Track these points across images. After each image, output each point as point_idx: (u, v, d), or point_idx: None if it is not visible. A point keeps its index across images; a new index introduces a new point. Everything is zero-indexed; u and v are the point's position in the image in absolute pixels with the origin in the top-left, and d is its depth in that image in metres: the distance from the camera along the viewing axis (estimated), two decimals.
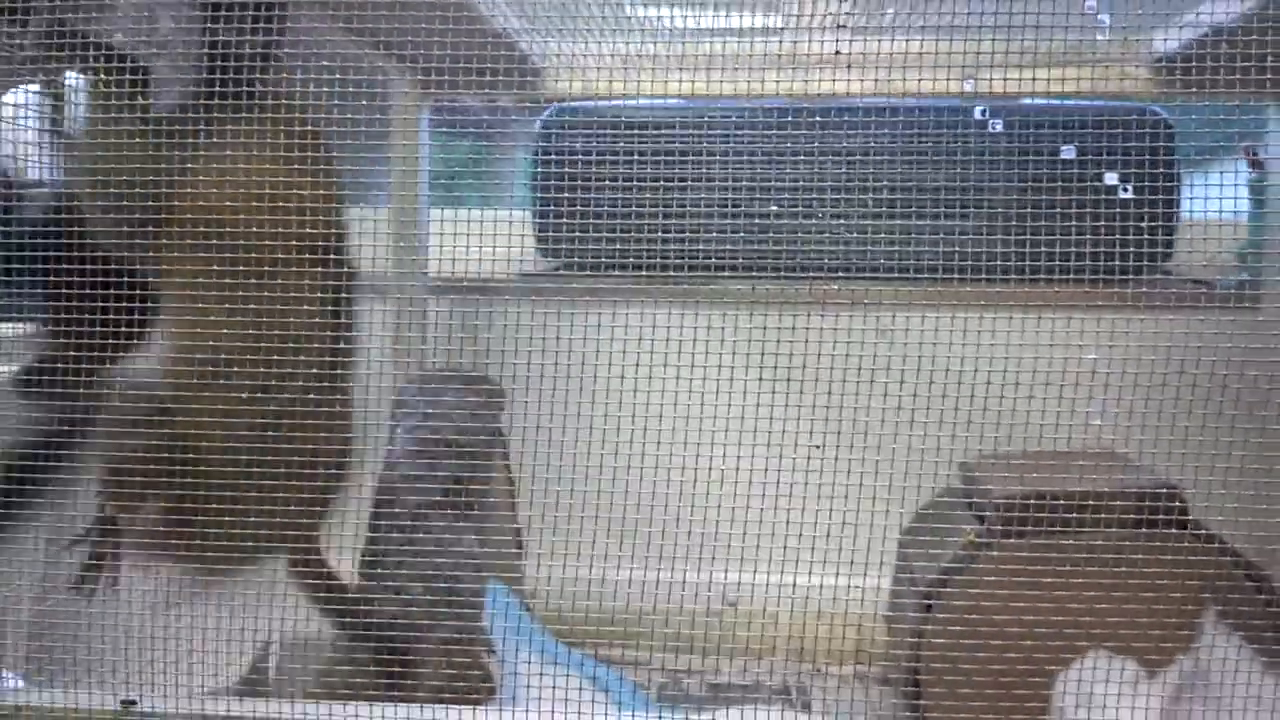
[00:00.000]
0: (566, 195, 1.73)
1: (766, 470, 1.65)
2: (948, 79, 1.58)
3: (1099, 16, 1.40)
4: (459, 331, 1.72)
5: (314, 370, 1.19)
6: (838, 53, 1.45)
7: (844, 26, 1.38)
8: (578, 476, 1.62)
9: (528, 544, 1.54)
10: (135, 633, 1.26)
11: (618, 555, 1.65)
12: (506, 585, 1.33)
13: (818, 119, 1.71)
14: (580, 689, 1.26)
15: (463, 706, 1.00)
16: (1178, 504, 1.34)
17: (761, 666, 1.64)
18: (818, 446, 1.47)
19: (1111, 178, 1.48)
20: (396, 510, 1.28)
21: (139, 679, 1.16)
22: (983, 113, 1.58)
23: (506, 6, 1.48)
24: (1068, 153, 1.52)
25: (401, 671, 1.19)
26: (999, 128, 1.57)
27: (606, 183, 1.72)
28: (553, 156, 1.77)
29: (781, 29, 1.53)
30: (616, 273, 1.73)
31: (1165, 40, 1.54)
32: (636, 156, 1.71)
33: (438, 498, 1.29)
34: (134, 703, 1.03)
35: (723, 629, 1.67)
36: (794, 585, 1.58)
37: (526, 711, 1.04)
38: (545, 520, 1.58)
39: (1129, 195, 1.48)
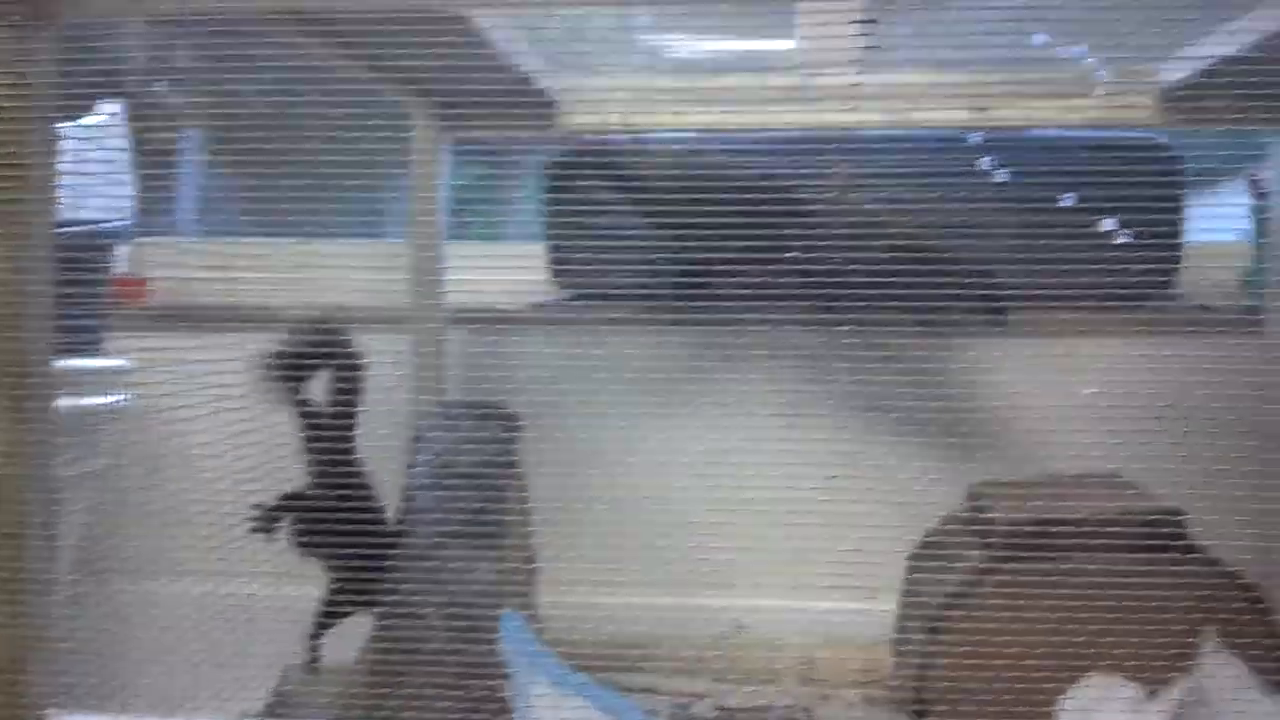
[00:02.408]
0: (580, 227, 1.78)
1: (777, 497, 1.68)
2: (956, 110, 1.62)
3: (1099, 73, 1.43)
4: (477, 362, 1.76)
5: None
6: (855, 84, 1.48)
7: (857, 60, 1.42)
8: (590, 504, 1.65)
9: (541, 571, 1.57)
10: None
11: (627, 581, 1.68)
12: (520, 612, 1.35)
13: (829, 150, 1.75)
14: (591, 715, 1.29)
15: None
16: (1178, 527, 1.36)
17: (770, 690, 1.67)
18: (834, 476, 1.49)
19: (1110, 223, 1.50)
20: (415, 539, 1.31)
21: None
22: (989, 163, 1.61)
23: (523, 43, 1.52)
24: (1067, 201, 1.54)
25: (421, 698, 1.22)
26: (1005, 178, 1.61)
27: (620, 215, 1.76)
28: (569, 189, 1.80)
29: (794, 65, 1.56)
30: (629, 302, 1.76)
31: (1170, 71, 1.57)
32: (649, 189, 1.75)
33: (455, 527, 1.32)
34: None
35: (732, 653, 1.70)
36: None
37: None
38: (559, 547, 1.61)
39: (1127, 240, 1.51)
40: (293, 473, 1.41)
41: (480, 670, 1.23)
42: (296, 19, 1.29)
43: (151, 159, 1.69)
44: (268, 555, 1.32)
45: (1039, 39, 1.31)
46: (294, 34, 1.32)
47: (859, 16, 1.36)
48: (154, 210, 1.75)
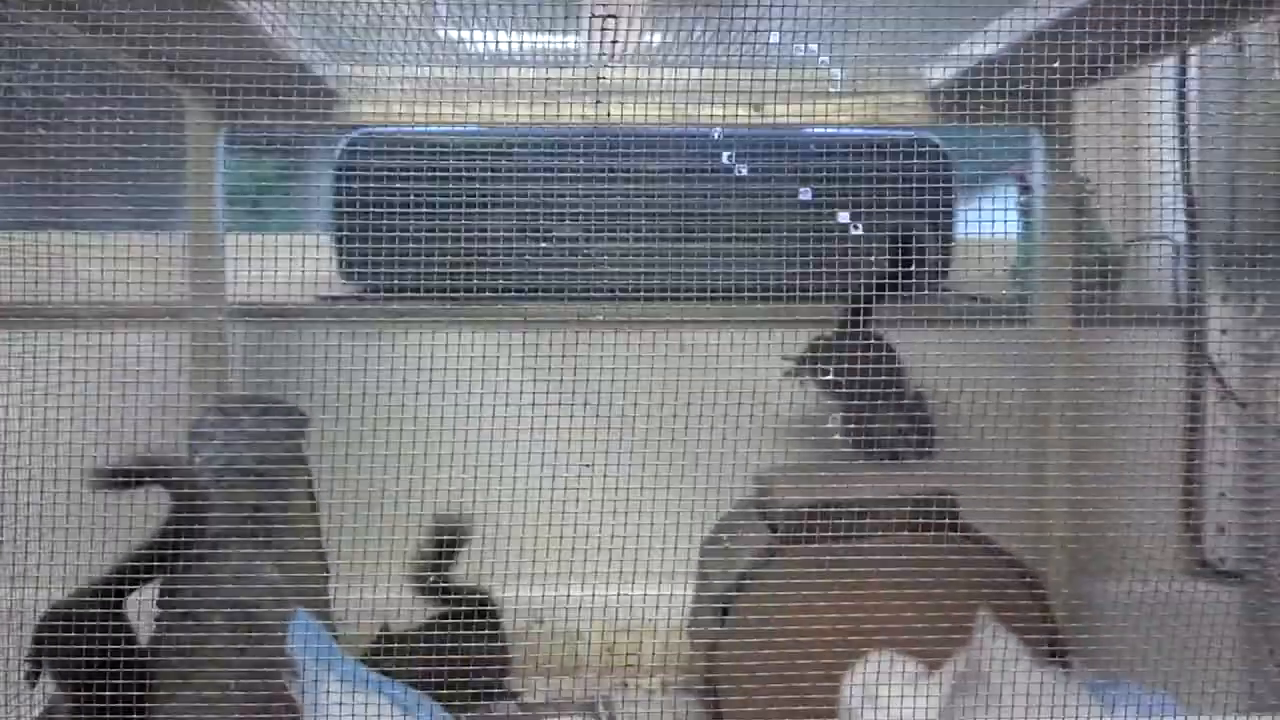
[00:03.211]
0: (369, 219, 1.75)
1: (570, 488, 1.69)
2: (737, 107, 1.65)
3: (831, 71, 1.48)
4: (259, 357, 1.72)
5: None
6: (600, 77, 1.51)
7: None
8: (383, 500, 1.63)
9: (334, 569, 1.54)
10: None
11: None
12: (311, 611, 1.33)
13: (617, 145, 1.77)
14: (383, 712, 1.27)
15: None
16: (950, 508, 1.41)
17: (569, 683, 1.68)
18: (587, 465, 1.51)
19: (844, 216, 1.56)
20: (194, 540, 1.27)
21: None
22: (729, 158, 1.66)
23: (300, 31, 1.48)
24: (805, 195, 1.60)
25: (205, 701, 1.19)
26: (743, 171, 1.65)
27: (408, 207, 1.74)
28: (355, 181, 1.78)
29: (578, 58, 1.57)
30: (418, 296, 1.75)
31: (938, 72, 1.63)
32: (438, 181, 1.74)
33: (236, 526, 1.29)
34: None
35: (531, 647, 1.70)
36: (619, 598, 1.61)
37: None
38: (352, 545, 1.59)
39: (859, 232, 1.57)
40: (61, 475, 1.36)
41: (266, 670, 1.20)
42: (55, 4, 1.24)
43: None
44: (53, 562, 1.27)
45: (775, 38, 1.35)
46: (55, 19, 1.27)
47: (642, 14, 1.38)
48: None
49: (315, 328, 1.76)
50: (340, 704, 1.22)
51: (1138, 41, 1.34)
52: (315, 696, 1.23)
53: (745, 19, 1.34)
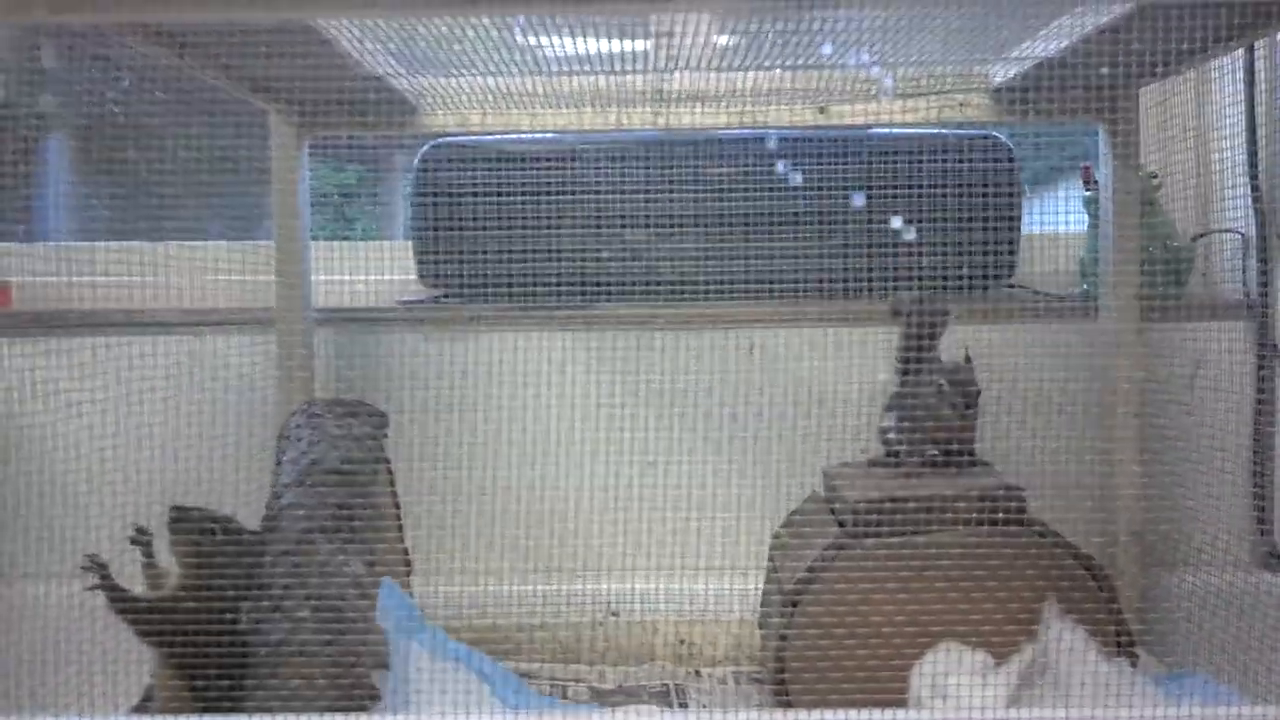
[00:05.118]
0: (445, 226, 1.80)
1: (646, 485, 1.72)
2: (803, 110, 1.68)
3: (885, 80, 1.50)
4: (344, 360, 1.77)
5: None
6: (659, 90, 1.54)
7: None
8: (463, 497, 1.68)
9: (416, 564, 1.59)
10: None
11: (503, 571, 1.71)
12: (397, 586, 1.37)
13: (684, 149, 1.80)
14: (469, 681, 1.31)
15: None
16: (1018, 503, 1.42)
17: (643, 670, 1.71)
18: (651, 461, 1.54)
19: (896, 221, 1.58)
20: (282, 537, 1.32)
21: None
22: (784, 168, 1.69)
23: (378, 45, 1.53)
24: (858, 200, 1.62)
25: (289, 690, 1.23)
26: (798, 180, 1.68)
27: (483, 213, 1.78)
28: (432, 189, 1.82)
29: (651, 69, 1.60)
30: (494, 300, 1.79)
31: (999, 71, 1.64)
32: (511, 187, 1.78)
33: (322, 523, 1.33)
34: None
35: (607, 637, 1.74)
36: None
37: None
38: (435, 541, 1.64)
39: (911, 237, 1.59)
40: (155, 477, 1.42)
41: (351, 660, 1.25)
42: (150, 31, 1.29)
43: (9, 163, 1.67)
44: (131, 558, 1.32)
45: (828, 49, 1.38)
46: (149, 44, 1.32)
47: (708, 21, 1.41)
48: (14, 215, 1.73)
49: (396, 331, 1.81)
50: (419, 671, 1.26)
51: (1204, 35, 1.33)
52: (404, 668, 1.27)
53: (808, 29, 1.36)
